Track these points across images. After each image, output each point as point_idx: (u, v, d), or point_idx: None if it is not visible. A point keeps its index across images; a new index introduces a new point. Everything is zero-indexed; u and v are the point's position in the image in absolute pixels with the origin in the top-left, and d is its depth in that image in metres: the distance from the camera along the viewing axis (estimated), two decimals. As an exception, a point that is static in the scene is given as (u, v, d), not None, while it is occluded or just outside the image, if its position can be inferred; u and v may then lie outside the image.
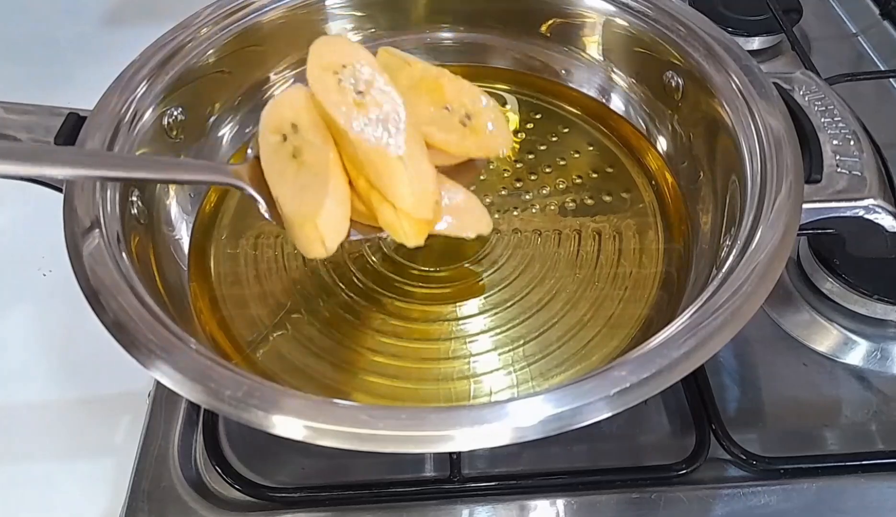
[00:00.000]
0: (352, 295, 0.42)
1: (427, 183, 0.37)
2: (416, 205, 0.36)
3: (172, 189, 0.44)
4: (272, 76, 0.51)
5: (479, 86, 0.52)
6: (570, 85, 0.53)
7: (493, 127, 0.40)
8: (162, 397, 0.42)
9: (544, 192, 0.47)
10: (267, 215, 0.38)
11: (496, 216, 0.46)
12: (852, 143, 0.39)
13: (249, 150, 0.40)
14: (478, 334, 0.40)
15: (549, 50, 0.53)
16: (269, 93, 0.51)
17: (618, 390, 0.29)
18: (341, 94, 0.37)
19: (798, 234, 0.35)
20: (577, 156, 0.50)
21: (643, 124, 0.50)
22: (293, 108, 0.38)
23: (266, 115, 0.39)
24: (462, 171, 0.41)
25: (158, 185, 0.43)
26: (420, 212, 0.37)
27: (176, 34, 0.45)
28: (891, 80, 0.63)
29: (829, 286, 0.45)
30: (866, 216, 0.37)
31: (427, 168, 0.37)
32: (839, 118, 0.40)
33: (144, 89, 0.42)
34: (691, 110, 0.45)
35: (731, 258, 0.35)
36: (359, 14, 0.52)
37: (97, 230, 0.35)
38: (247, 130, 0.49)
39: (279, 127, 0.38)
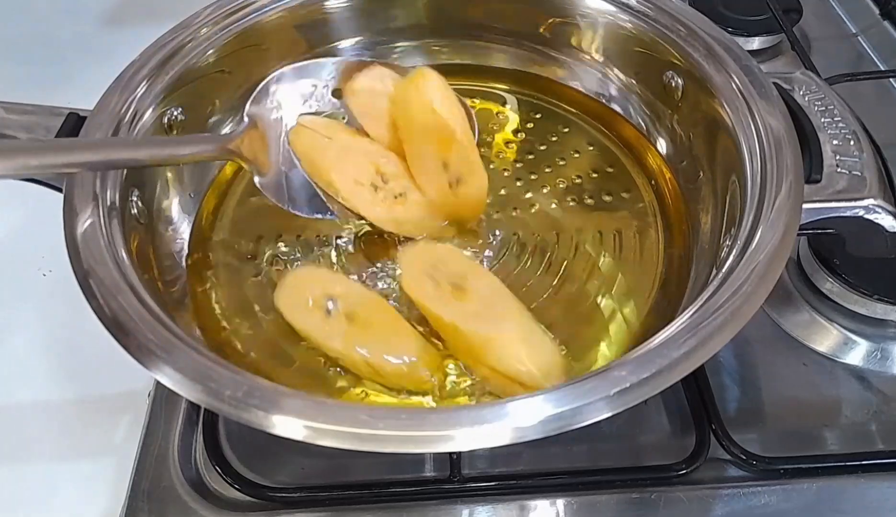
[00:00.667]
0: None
1: (549, 354, 0.37)
2: (543, 377, 0.36)
3: (172, 188, 0.45)
4: (272, 76, 0.51)
5: (479, 86, 0.54)
6: (570, 85, 0.53)
7: (472, 201, 0.42)
8: (162, 397, 0.42)
9: (544, 191, 0.47)
10: (260, 186, 0.40)
11: (496, 216, 0.46)
12: (852, 143, 0.39)
13: (246, 118, 0.41)
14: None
15: (549, 50, 0.53)
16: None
17: (618, 390, 0.29)
18: (439, 290, 0.37)
19: (798, 234, 0.35)
20: (577, 156, 0.50)
21: (643, 124, 0.50)
22: (318, 283, 0.39)
23: (288, 304, 0.39)
24: None
25: (159, 184, 0.43)
26: (548, 381, 0.36)
27: (176, 34, 0.45)
28: (891, 80, 0.63)
29: (829, 286, 0.45)
30: (866, 216, 0.37)
31: (543, 338, 0.38)
32: (839, 118, 0.40)
33: (144, 89, 0.42)
34: (691, 110, 0.45)
35: (731, 258, 0.35)
36: (359, 14, 0.52)
37: (97, 230, 0.35)
38: (247, 130, 0.49)
39: (318, 303, 0.38)
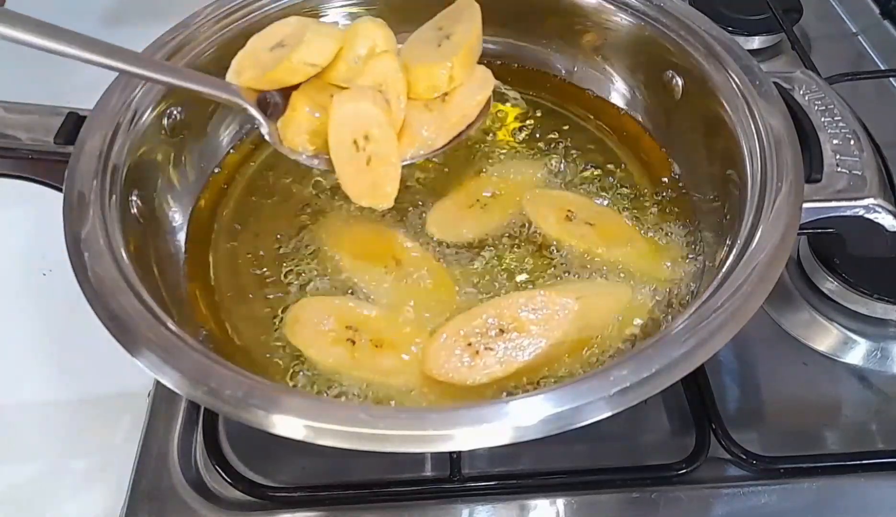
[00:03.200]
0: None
1: None
2: None
3: (172, 189, 0.44)
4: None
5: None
6: (572, 83, 0.53)
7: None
8: (162, 397, 0.42)
9: (544, 191, 0.47)
10: (269, 138, 0.41)
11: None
12: (852, 142, 0.39)
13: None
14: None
15: (550, 49, 0.53)
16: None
17: (618, 390, 0.29)
18: None
19: (798, 234, 0.35)
20: (577, 155, 0.50)
21: (644, 123, 0.50)
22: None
23: (307, 341, 0.39)
24: None
25: (159, 184, 0.43)
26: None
27: (176, 34, 0.45)
28: (891, 79, 0.63)
29: (830, 286, 0.45)
30: (866, 215, 0.37)
31: None
32: (839, 118, 0.40)
33: (144, 89, 0.42)
34: (691, 110, 0.45)
35: (731, 258, 0.35)
36: (360, 15, 0.52)
37: (97, 230, 0.35)
38: (245, 129, 0.49)
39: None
